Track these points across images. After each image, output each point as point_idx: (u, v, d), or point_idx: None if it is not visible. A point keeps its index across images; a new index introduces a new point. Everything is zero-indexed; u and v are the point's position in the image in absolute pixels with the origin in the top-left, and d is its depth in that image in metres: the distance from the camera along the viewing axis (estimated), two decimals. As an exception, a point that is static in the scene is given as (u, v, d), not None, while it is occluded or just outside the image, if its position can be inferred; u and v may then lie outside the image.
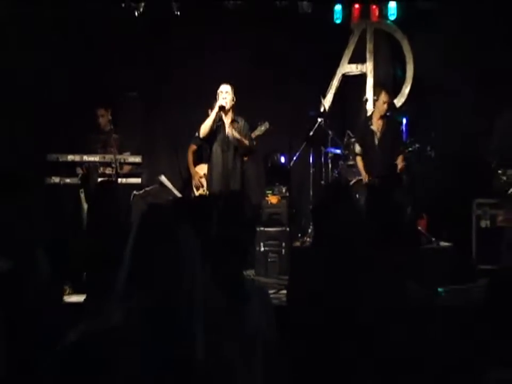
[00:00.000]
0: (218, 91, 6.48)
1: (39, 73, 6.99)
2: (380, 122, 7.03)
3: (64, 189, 6.88)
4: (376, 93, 7.32)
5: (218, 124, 6.50)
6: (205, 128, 6.50)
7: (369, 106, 7.68)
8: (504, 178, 6.45)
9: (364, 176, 6.99)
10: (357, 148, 7.22)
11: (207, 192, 6.88)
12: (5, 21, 6.85)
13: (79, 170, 7.01)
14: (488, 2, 7.11)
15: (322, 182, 7.55)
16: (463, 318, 3.81)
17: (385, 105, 6.97)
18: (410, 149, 7.27)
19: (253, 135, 6.84)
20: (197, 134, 7.09)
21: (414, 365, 2.77)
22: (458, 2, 7.30)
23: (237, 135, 6.54)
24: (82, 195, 6.46)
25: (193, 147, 7.48)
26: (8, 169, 5.08)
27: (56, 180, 6.77)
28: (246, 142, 6.58)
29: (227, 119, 6.54)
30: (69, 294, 5.23)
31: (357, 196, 6.75)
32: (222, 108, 6.39)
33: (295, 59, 7.65)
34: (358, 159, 7.20)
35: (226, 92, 6.43)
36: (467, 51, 7.27)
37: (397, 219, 6.66)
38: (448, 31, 7.18)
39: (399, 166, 6.97)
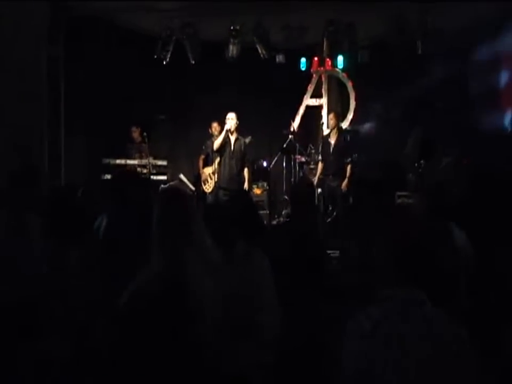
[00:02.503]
0: (226, 118, 7.78)
1: (98, 104, 8.49)
2: (335, 137, 8.33)
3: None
4: (329, 116, 8.65)
5: (226, 141, 7.86)
6: (217, 144, 7.88)
7: (325, 128, 9.15)
8: (411, 178, 8.13)
9: (319, 176, 8.39)
10: (320, 157, 8.55)
11: (217, 186, 8.04)
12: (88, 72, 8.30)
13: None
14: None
15: (292, 179, 8.95)
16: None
17: (333, 121, 8.31)
18: (353, 157, 8.57)
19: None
20: (204, 147, 8.65)
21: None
22: (383, 57, 8.83)
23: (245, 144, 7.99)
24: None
25: (202, 156, 8.92)
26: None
27: (108, 176, 8.31)
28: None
29: (233, 137, 7.89)
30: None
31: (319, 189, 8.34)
32: (228, 130, 7.81)
33: (274, 94, 9.36)
34: (319, 164, 8.54)
35: (232, 119, 7.76)
36: (390, 89, 8.98)
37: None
38: (377, 76, 9.05)
39: (348, 173, 8.21)
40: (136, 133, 8.94)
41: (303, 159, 9.19)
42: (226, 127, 7.83)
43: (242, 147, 8.03)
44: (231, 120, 7.83)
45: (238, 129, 7.96)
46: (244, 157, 8.08)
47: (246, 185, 8.09)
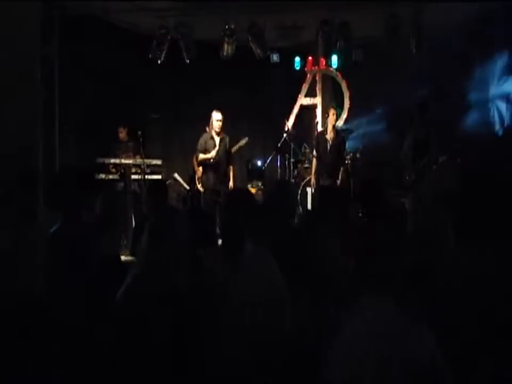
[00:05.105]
0: (213, 118, 7.82)
1: (92, 104, 8.61)
2: (332, 133, 8.08)
3: (107, 182, 8.31)
4: (327, 111, 8.31)
5: (212, 142, 7.91)
6: (207, 155, 7.91)
7: (319, 127, 9.13)
8: (407, 178, 7.88)
9: (313, 175, 8.20)
10: (314, 152, 8.30)
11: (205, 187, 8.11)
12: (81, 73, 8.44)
13: (113, 170, 8.42)
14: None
15: (286, 179, 8.81)
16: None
17: (334, 116, 8.04)
18: (347, 156, 8.72)
19: (237, 147, 8.16)
20: (198, 146, 8.26)
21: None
22: (377, 57, 8.87)
23: (235, 149, 8.01)
24: (121, 184, 8.21)
25: (197, 155, 8.36)
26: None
27: (102, 176, 8.26)
28: (232, 151, 8.05)
29: (218, 138, 7.93)
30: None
31: (307, 190, 8.37)
32: (217, 133, 7.90)
33: (268, 93, 9.49)
34: (314, 162, 8.28)
35: (219, 120, 7.82)
36: (384, 89, 9.03)
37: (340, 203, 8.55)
38: (371, 74, 9.08)
39: (341, 175, 8.13)
40: (123, 133, 8.90)
41: (297, 158, 9.21)
42: (216, 130, 7.85)
43: (227, 145, 8.01)
44: (219, 122, 7.83)
45: (223, 128, 7.94)
46: (228, 156, 8.04)
47: (231, 184, 8.07)
